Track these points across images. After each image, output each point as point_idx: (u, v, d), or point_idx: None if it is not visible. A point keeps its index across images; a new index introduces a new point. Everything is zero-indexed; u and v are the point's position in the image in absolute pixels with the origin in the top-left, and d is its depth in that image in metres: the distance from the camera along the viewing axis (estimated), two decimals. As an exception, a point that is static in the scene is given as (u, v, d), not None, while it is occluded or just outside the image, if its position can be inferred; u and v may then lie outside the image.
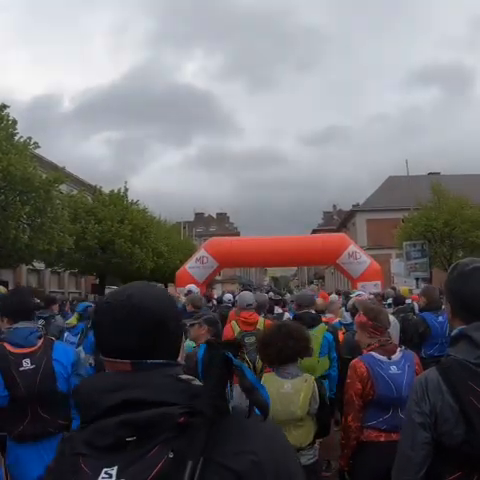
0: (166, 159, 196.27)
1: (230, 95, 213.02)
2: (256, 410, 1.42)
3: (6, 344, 3.97)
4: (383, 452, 3.90)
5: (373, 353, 4.16)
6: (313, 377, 4.40)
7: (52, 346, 4.13)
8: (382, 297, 13.47)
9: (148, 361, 1.46)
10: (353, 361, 4.23)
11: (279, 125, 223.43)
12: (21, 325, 4.03)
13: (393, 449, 3.79)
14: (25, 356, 3.91)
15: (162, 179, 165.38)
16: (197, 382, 1.46)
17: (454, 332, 2.34)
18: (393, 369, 4.05)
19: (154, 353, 1.48)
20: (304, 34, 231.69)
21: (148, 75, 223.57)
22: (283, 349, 4.27)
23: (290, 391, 4.17)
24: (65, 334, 7.84)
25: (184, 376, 1.47)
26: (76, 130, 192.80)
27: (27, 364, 3.88)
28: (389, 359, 4.11)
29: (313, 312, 6.73)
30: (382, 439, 4.02)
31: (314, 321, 6.38)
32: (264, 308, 8.73)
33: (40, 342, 4.05)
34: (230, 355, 1.40)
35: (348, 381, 4.15)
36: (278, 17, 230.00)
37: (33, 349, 3.97)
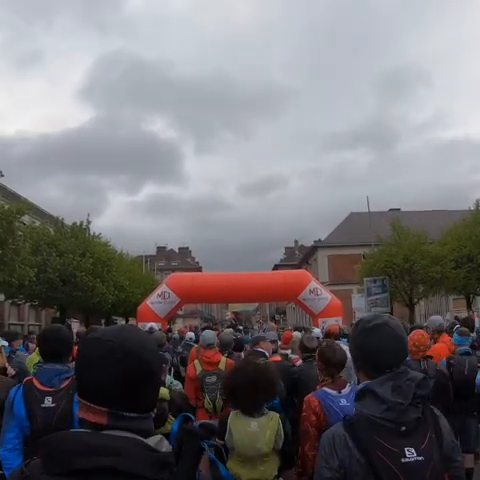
0: (125, 202, 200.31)
1: (177, 151, 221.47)
2: None
3: (35, 379, 4.12)
4: None
5: (325, 388, 4.68)
6: (278, 415, 4.59)
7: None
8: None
9: (124, 414, 1.48)
10: (307, 396, 4.69)
11: (222, 178, 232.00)
12: (48, 366, 4.18)
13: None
14: (49, 394, 4.05)
15: (123, 220, 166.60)
16: (165, 447, 1.52)
17: (359, 387, 2.39)
18: (343, 401, 4.53)
19: (134, 403, 1.50)
20: (239, 101, 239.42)
21: (105, 129, 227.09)
22: (250, 397, 4.42)
23: (256, 429, 4.35)
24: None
25: (154, 440, 1.51)
26: (38, 171, 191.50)
27: (48, 402, 4.01)
28: (339, 393, 4.61)
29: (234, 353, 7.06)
30: None
31: None
32: (229, 347, 8.79)
33: (65, 383, 4.10)
34: (206, 446, 1.46)
35: (304, 414, 4.57)
36: (215, 85, 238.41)
37: (57, 388, 4.08)
